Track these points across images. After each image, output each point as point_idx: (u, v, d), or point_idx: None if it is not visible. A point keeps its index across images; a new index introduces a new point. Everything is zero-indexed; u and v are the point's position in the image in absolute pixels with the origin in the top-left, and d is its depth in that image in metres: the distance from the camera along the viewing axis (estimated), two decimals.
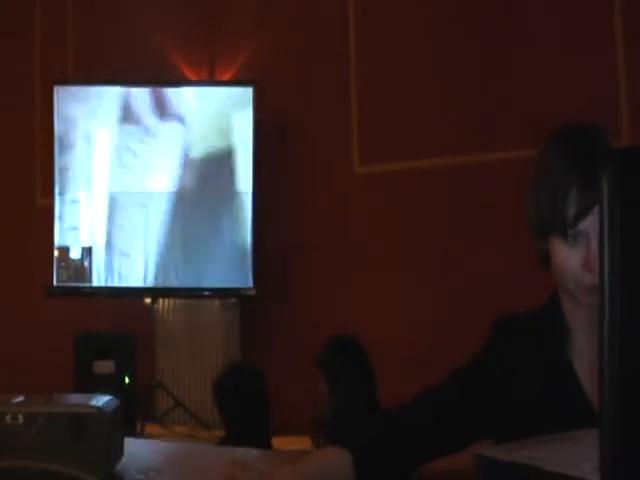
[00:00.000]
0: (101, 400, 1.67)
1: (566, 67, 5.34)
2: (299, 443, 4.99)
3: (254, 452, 2.49)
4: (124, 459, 1.78)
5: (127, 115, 6.39)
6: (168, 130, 6.36)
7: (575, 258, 1.55)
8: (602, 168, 0.85)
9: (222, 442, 3.98)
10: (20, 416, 1.58)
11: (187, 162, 6.33)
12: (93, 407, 1.62)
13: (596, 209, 1.49)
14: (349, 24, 6.21)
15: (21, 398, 1.68)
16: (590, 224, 1.52)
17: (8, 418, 1.58)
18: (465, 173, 5.72)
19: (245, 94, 6.25)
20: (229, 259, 6.23)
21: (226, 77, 6.63)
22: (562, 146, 1.59)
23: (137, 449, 2.06)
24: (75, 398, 1.82)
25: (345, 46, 6.21)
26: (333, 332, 4.22)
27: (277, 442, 4.24)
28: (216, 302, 6.45)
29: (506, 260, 5.36)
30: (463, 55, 5.76)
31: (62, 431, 1.58)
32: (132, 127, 6.40)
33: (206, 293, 6.31)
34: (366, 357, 3.93)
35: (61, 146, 6.45)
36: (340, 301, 6.03)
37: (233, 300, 6.41)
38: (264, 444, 3.90)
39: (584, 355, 1.62)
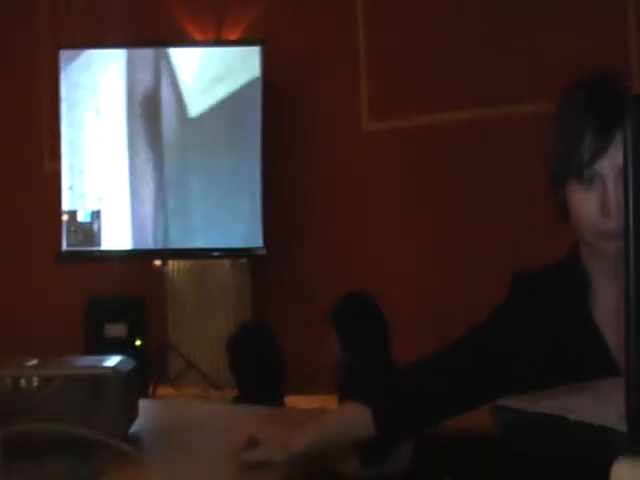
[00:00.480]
0: (116, 361, 1.67)
1: (580, 22, 5.27)
2: (312, 402, 5.01)
3: (269, 410, 2.49)
4: (139, 420, 1.78)
5: (133, 76, 6.35)
6: (175, 90, 6.31)
7: (592, 202, 1.54)
8: (626, 114, 0.83)
9: (235, 401, 3.97)
10: (35, 379, 1.58)
11: (195, 123, 6.29)
12: (108, 368, 1.61)
13: (611, 150, 1.50)
14: None
15: (35, 361, 1.67)
16: (606, 166, 1.52)
17: (23, 381, 1.57)
18: (481, 127, 5.64)
19: (253, 53, 6.19)
20: (239, 219, 6.21)
21: (233, 36, 6.58)
22: (578, 92, 1.59)
23: (151, 410, 2.06)
24: (89, 360, 1.81)
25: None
26: (344, 291, 4.21)
27: (290, 401, 4.24)
28: (226, 262, 6.44)
29: (521, 222, 5.34)
30: (478, 7, 5.68)
31: (78, 393, 1.57)
32: (138, 88, 6.36)
33: (216, 254, 6.30)
34: (380, 313, 3.90)
35: (68, 110, 6.42)
36: (351, 260, 6.01)
37: (244, 260, 6.40)
38: (277, 403, 3.90)
39: (606, 306, 1.60)
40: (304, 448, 1.49)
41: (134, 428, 1.74)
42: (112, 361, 1.65)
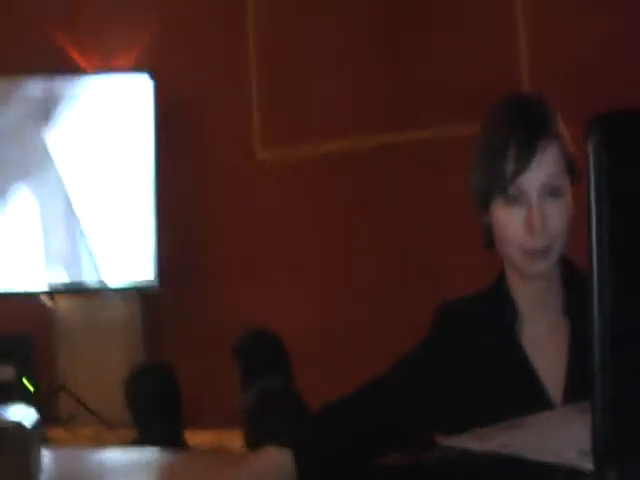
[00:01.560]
0: (17, 413, 1.56)
1: (474, 45, 5.33)
2: (212, 437, 4.94)
3: (176, 454, 2.41)
4: (43, 472, 1.68)
5: (18, 106, 6.18)
6: (62, 121, 6.17)
7: (516, 220, 1.53)
8: (587, 132, 0.82)
9: (134, 444, 3.87)
10: None
11: (82, 154, 6.15)
12: (11, 423, 1.51)
13: (534, 166, 1.51)
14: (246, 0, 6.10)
15: None
16: (529, 181, 1.52)
17: None
18: (380, 155, 5.61)
19: (143, 82, 6.10)
20: (131, 255, 6.09)
21: (123, 65, 6.45)
22: (500, 110, 1.60)
23: (52, 460, 1.96)
24: None
25: (243, 17, 6.06)
26: (240, 325, 4.15)
27: (189, 437, 4.15)
28: (118, 299, 6.31)
29: (418, 247, 5.35)
30: (377, 30, 5.68)
31: None
32: (24, 119, 6.19)
33: (108, 291, 6.17)
34: (283, 348, 3.89)
35: None
36: (247, 294, 5.91)
37: (134, 295, 6.28)
38: (177, 444, 3.82)
39: (535, 336, 1.59)
40: None
41: None
42: (15, 414, 1.55)
